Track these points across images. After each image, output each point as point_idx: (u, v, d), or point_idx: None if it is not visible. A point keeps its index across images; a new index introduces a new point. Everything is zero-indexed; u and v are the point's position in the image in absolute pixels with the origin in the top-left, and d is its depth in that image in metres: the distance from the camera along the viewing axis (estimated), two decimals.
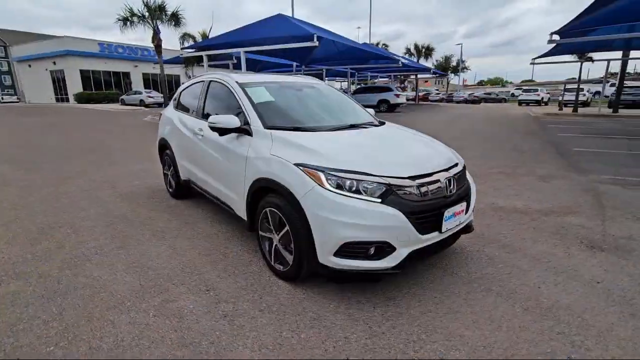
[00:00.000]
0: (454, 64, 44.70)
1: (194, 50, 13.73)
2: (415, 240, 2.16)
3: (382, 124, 3.29)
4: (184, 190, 4.40)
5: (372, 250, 2.10)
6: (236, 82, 3.19)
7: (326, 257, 2.15)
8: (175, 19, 15.78)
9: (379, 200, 2.09)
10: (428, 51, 33.94)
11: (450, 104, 35.99)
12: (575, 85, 21.67)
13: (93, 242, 3.23)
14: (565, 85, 24.69)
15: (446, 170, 2.43)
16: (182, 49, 13.14)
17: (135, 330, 2.04)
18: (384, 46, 33.00)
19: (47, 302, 2.33)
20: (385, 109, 20.98)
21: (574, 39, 10.83)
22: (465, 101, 38.91)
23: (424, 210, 2.18)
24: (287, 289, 2.47)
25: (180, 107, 4.22)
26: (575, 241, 3.23)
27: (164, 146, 4.55)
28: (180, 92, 4.34)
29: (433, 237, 2.26)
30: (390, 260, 2.12)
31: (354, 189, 2.11)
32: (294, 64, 19.28)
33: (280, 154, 2.43)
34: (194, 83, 4.04)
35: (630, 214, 3.90)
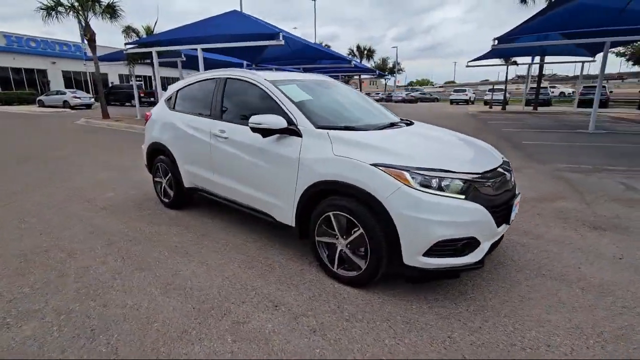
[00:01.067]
0: (390, 65, 47.22)
1: (135, 46, 12.49)
2: (493, 234, 2.22)
3: (411, 122, 3.32)
4: (185, 200, 4.00)
5: (460, 247, 2.11)
6: (266, 79, 2.96)
7: (415, 257, 2.10)
8: (111, 11, 14.17)
9: (463, 196, 2.10)
10: (369, 53, 35.42)
11: (391, 103, 37.93)
12: (496, 86, 24.38)
13: (102, 267, 2.75)
14: (494, 86, 27.53)
15: (502, 163, 2.54)
16: (126, 44, 11.80)
17: None
18: (326, 46, 33.53)
19: (89, 342, 1.93)
20: None
21: (505, 44, 12.12)
22: (403, 100, 41.46)
23: (499, 203, 2.25)
24: (358, 294, 2.36)
25: (180, 107, 3.80)
26: (578, 223, 3.60)
27: (157, 151, 4.07)
28: (177, 92, 3.91)
29: (502, 229, 2.34)
30: (475, 255, 2.15)
31: (438, 186, 2.10)
32: (244, 62, 18.64)
33: (347, 154, 2.31)
34: (197, 81, 3.66)
35: (605, 196, 4.47)
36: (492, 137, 10.09)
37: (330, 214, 2.40)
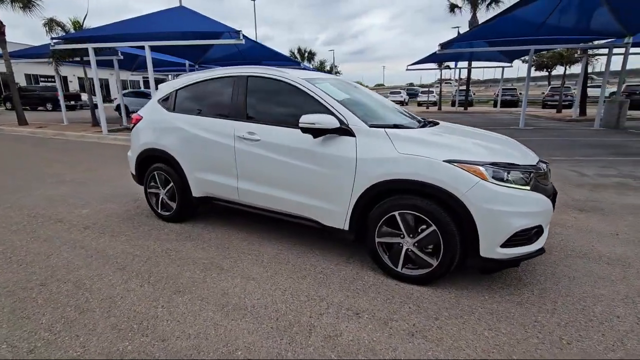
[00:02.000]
0: (327, 68, 48.38)
1: (64, 41, 10.88)
2: (550, 221, 2.40)
3: (436, 122, 3.37)
4: (190, 211, 3.61)
5: (531, 235, 2.23)
6: (301, 78, 2.81)
7: (493, 249, 2.17)
8: (24, 2, 12.14)
9: (528, 187, 2.23)
10: (310, 55, 35.86)
11: None
12: (430, 88, 26.54)
13: (130, 295, 2.35)
14: (429, 88, 29.83)
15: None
16: (52, 38, 10.16)
17: None
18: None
19: None
20: None
21: (448, 50, 13.27)
22: None
23: (552, 194, 2.43)
24: (428, 292, 2.36)
25: (185, 108, 3.41)
26: (565, 207, 4.06)
27: (152, 159, 3.60)
28: (176, 91, 3.51)
29: None
30: (540, 242, 2.29)
31: (509, 179, 2.20)
32: (187, 62, 17.49)
33: (414, 152, 2.30)
34: (205, 80, 3.33)
35: (568, 183, 5.12)
36: None
37: (396, 213, 2.37)
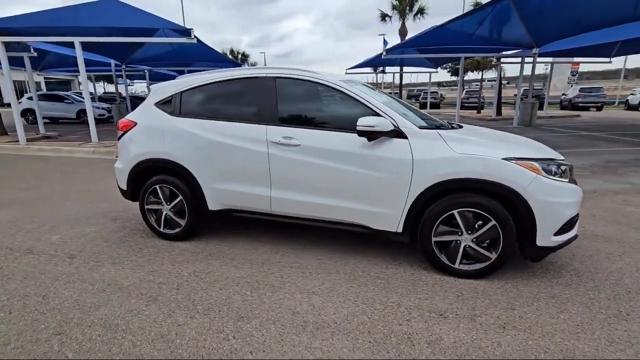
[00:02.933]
0: None
1: None
2: None
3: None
4: (202, 227, 3.25)
5: (573, 223, 2.48)
6: (339, 79, 2.72)
7: (547, 238, 2.36)
8: None
9: (567, 179, 2.48)
10: (244, 57, 34.81)
11: None
12: None
13: (188, 330, 2.01)
14: None
15: None
16: None
17: None
18: None
19: None
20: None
21: (394, 55, 14.13)
22: None
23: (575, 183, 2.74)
24: (487, 286, 2.46)
25: (194, 112, 3.04)
26: None
27: (151, 171, 3.15)
28: (180, 94, 3.10)
29: None
30: (576, 228, 2.57)
31: (557, 173, 2.42)
32: (112, 61, 15.61)
33: (472, 151, 2.39)
34: (219, 81, 3.01)
35: None
36: None
37: (455, 212, 2.43)
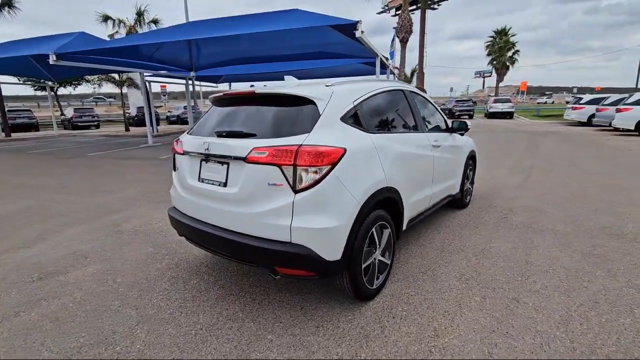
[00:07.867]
0: None
1: None
2: None
3: None
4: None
5: None
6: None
7: None
8: None
9: None
10: None
11: None
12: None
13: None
14: None
15: None
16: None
17: None
18: None
19: None
20: None
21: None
22: None
23: None
24: None
25: (378, 126, 2.60)
26: None
27: (373, 208, 2.29)
28: (355, 105, 2.36)
29: None
30: None
31: None
32: None
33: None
34: (380, 92, 2.76)
35: None
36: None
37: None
